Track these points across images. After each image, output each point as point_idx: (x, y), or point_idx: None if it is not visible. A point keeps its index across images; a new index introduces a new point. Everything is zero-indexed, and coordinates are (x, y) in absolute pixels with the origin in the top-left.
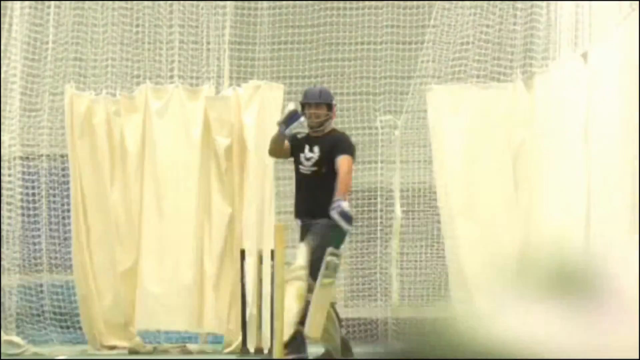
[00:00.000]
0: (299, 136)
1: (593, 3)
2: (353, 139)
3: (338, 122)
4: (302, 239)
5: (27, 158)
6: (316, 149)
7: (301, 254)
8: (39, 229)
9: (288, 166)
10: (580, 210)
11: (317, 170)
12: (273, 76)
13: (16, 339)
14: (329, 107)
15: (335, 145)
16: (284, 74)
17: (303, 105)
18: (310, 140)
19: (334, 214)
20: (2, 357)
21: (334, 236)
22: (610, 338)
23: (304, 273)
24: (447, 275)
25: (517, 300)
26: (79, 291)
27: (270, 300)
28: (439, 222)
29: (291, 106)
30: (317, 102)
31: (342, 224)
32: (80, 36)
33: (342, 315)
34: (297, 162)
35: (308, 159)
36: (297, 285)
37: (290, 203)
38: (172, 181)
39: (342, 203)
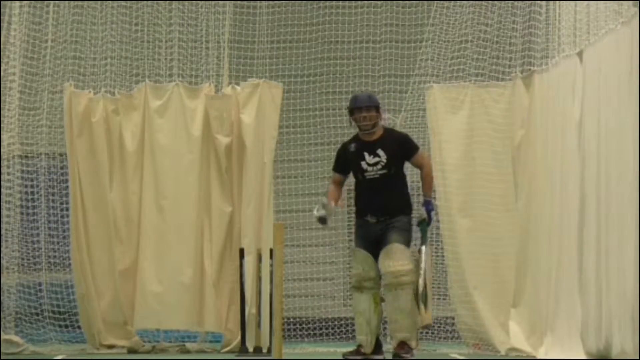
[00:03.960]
0: (351, 149)
1: (592, 2)
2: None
3: (337, 122)
4: (369, 234)
5: (26, 157)
6: (380, 152)
7: (399, 255)
8: (37, 228)
9: (287, 164)
10: (575, 208)
11: (386, 172)
12: (272, 74)
13: (15, 337)
14: (377, 109)
15: (402, 144)
16: (282, 72)
17: (352, 110)
18: (367, 146)
19: (434, 215)
20: (1, 356)
21: (424, 233)
22: None
23: (414, 276)
24: (446, 273)
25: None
26: (77, 290)
27: (269, 299)
28: (438, 220)
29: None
30: (368, 106)
31: (433, 220)
32: (79, 35)
33: (342, 315)
34: (358, 171)
35: (373, 164)
36: (413, 288)
37: (289, 202)
38: (171, 180)
39: (433, 202)
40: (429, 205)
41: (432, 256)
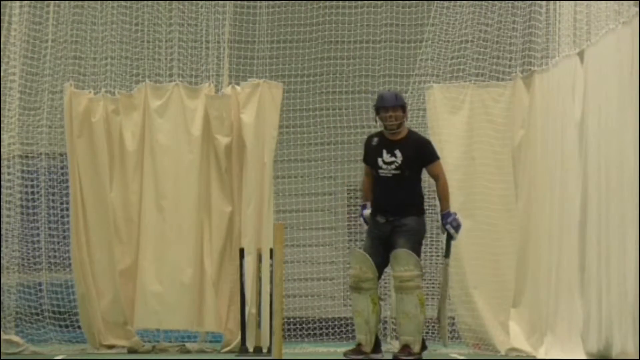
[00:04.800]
0: (373, 143)
1: (592, 2)
2: (351, 138)
3: (337, 121)
4: (379, 233)
5: (27, 157)
6: (398, 153)
7: (405, 260)
8: (38, 228)
9: (287, 164)
10: (575, 208)
11: (399, 174)
12: (272, 74)
13: (15, 337)
14: (403, 109)
15: (421, 150)
16: (282, 72)
17: (378, 109)
18: (388, 144)
19: (450, 228)
20: (1, 356)
21: (447, 245)
22: None
23: (420, 281)
24: None
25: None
26: (78, 290)
27: (269, 299)
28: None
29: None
30: (394, 105)
31: (456, 235)
32: (80, 35)
33: (342, 315)
34: (374, 166)
35: (388, 163)
36: (418, 293)
37: (289, 202)
38: (171, 180)
39: (457, 216)
40: (445, 218)
41: (449, 269)
